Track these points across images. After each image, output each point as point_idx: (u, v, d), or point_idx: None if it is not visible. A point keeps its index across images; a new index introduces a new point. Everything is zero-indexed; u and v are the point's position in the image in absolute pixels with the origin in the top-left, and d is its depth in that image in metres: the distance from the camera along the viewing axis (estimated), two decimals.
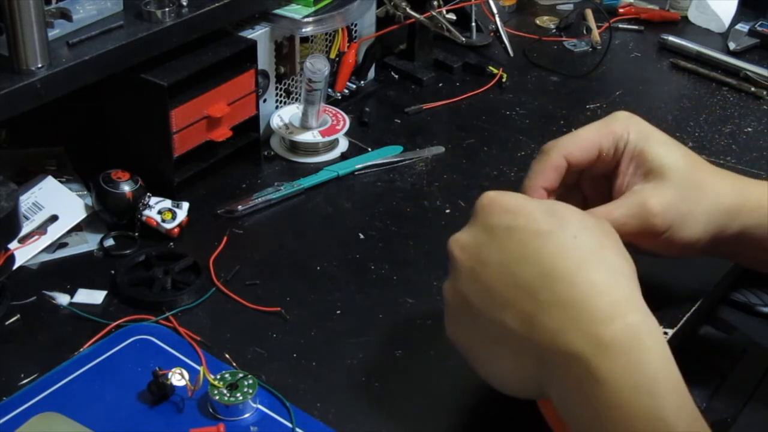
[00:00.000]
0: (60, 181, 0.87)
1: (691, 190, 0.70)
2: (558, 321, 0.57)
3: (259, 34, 0.95)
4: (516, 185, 0.73)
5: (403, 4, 1.08)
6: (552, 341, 0.57)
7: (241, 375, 0.67)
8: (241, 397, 0.66)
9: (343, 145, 1.01)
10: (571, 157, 0.71)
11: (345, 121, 1.01)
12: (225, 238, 0.85)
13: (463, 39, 1.12)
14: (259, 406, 0.67)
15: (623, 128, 0.72)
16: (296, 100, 1.04)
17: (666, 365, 0.55)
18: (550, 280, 0.58)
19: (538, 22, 1.34)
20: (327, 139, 0.99)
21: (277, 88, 1.02)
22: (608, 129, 0.72)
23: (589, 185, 0.76)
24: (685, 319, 0.78)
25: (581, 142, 0.71)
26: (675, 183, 0.70)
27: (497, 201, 0.62)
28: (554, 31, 1.31)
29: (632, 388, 0.54)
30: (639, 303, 0.58)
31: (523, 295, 0.59)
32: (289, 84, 1.03)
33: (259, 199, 0.90)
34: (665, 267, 0.82)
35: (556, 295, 0.57)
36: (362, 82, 1.12)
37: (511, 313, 0.59)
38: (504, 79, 1.16)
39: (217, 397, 0.66)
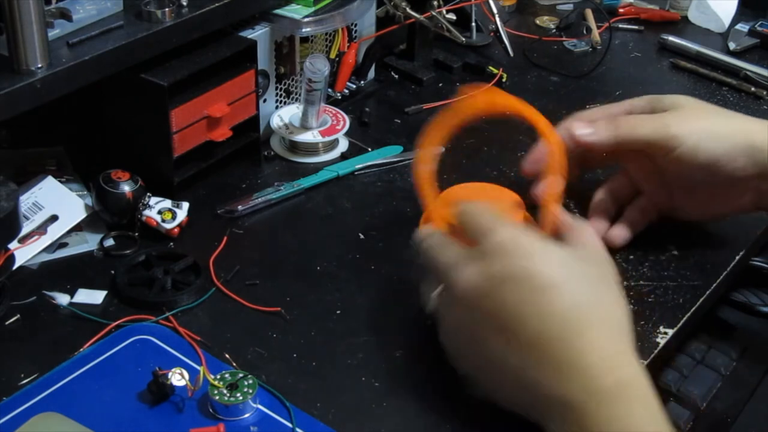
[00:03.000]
0: (60, 181, 0.87)
1: (708, 111, 0.79)
2: (553, 373, 0.60)
3: (259, 34, 0.95)
4: (516, 185, 0.74)
5: (403, 4, 1.08)
6: (549, 388, 0.60)
7: (241, 375, 0.67)
8: (241, 397, 0.66)
9: (343, 145, 1.01)
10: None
11: (345, 121, 1.01)
12: (225, 238, 0.85)
13: (463, 39, 1.12)
14: (259, 406, 0.67)
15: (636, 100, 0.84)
16: (296, 100, 1.04)
17: (650, 412, 0.58)
18: (546, 339, 0.61)
19: (538, 22, 1.34)
20: (327, 139, 0.99)
21: (277, 88, 1.02)
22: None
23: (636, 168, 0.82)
24: (685, 319, 0.78)
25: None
26: (691, 104, 0.79)
27: (510, 244, 0.64)
28: (554, 31, 1.31)
29: None
30: (629, 357, 0.61)
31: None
32: (289, 84, 1.03)
33: (259, 199, 0.90)
34: (666, 267, 0.83)
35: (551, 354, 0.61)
36: (362, 82, 1.12)
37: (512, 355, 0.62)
38: (504, 79, 1.16)
39: (217, 397, 0.66)
